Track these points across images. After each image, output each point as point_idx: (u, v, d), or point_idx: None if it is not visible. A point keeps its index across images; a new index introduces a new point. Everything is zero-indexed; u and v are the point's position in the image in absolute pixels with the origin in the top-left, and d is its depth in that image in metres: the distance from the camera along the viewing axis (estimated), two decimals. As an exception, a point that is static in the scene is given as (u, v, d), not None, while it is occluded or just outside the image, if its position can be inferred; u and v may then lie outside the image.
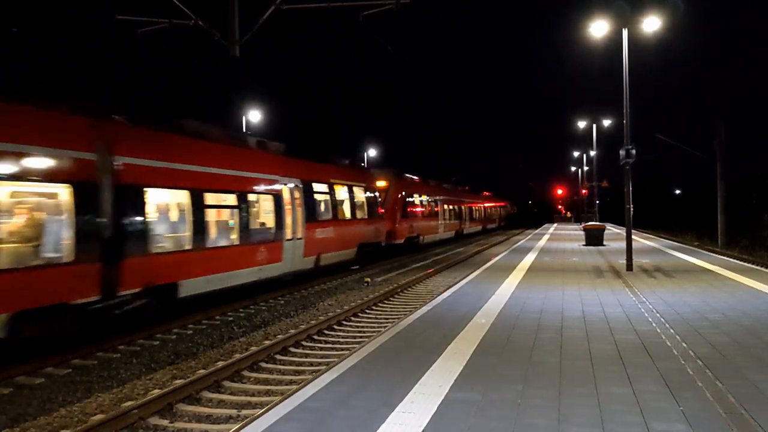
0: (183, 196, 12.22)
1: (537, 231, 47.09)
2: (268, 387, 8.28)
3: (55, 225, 9.33)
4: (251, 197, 14.53)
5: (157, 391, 7.81)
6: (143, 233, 10.90)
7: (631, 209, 16.98)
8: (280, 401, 5.58)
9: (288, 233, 15.85)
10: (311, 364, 9.50)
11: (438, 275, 20.60)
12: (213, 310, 13.13)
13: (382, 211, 24.55)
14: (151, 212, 11.33)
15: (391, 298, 15.52)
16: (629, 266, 16.08)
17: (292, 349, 10.27)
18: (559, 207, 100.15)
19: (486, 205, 58.14)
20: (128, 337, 10.65)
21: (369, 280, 18.56)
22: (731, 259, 19.93)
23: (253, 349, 10.09)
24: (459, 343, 7.66)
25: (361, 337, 11.37)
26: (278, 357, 9.81)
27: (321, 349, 10.52)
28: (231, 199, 13.76)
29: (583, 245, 26.19)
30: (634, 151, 16.34)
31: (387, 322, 12.47)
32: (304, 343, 10.73)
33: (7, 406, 7.40)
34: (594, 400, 5.44)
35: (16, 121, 8.89)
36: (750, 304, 10.37)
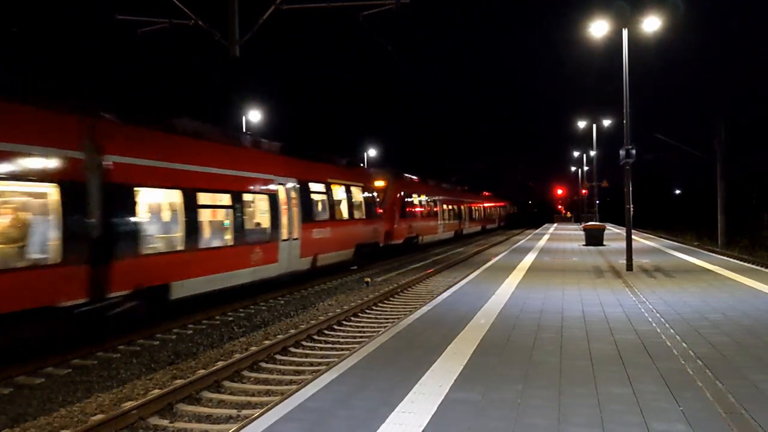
0: (175, 196, 12.00)
1: (537, 231, 47.09)
2: (268, 387, 8.28)
3: (40, 225, 9.06)
4: (246, 197, 14.34)
5: (157, 391, 7.81)
6: (133, 234, 10.67)
7: (631, 209, 16.98)
8: (280, 401, 5.58)
9: (284, 233, 15.67)
10: (311, 364, 9.50)
11: (438, 275, 20.60)
12: (213, 310, 13.13)
13: (381, 211, 24.38)
14: (142, 212, 11.12)
15: (391, 298, 15.52)
16: (629, 266, 16.09)
17: (292, 349, 10.26)
18: (559, 207, 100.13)
19: (486, 205, 58.11)
20: (128, 337, 10.64)
21: (369, 280, 18.54)
22: (731, 259, 19.94)
23: (253, 349, 10.09)
24: (459, 343, 7.66)
25: (361, 337, 11.37)
26: (278, 357, 9.81)
27: (321, 349, 10.52)
28: (225, 198, 13.54)
29: (583, 245, 26.20)
30: (634, 151, 16.34)
31: (387, 322, 12.47)
32: (304, 343, 10.73)
33: (7, 406, 7.40)
34: (594, 400, 5.44)
35: None
36: (750, 304, 10.37)
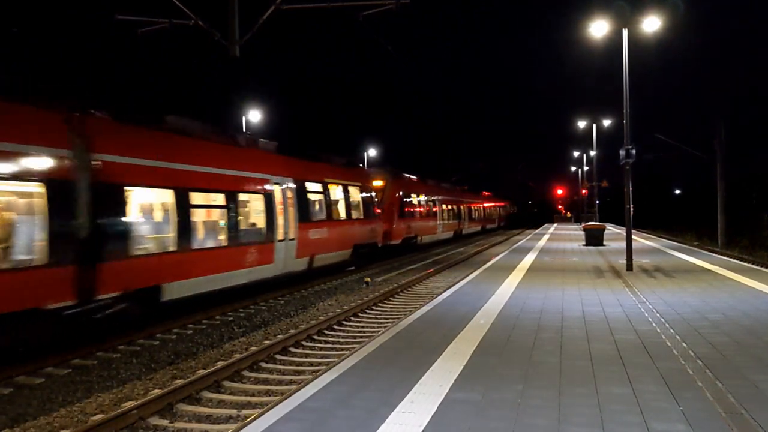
0: (167, 196, 11.74)
1: (537, 231, 47.10)
2: (268, 387, 8.28)
3: (26, 226, 8.84)
4: (241, 197, 14.13)
5: (157, 391, 7.81)
6: (123, 234, 10.45)
7: (631, 209, 16.99)
8: (280, 401, 5.58)
9: (280, 234, 15.49)
10: (311, 364, 9.50)
11: (438, 275, 20.60)
12: (213, 310, 13.12)
13: (379, 211, 24.27)
14: (132, 212, 10.94)
15: (391, 298, 15.52)
16: (629, 266, 16.09)
17: (292, 349, 10.26)
18: (559, 207, 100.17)
19: (485, 204, 58.11)
20: (128, 337, 10.64)
21: (369, 280, 18.53)
22: (731, 259, 19.94)
23: (253, 349, 10.09)
24: (459, 343, 7.66)
25: (361, 337, 11.37)
26: (278, 357, 9.81)
27: (321, 349, 10.52)
28: (219, 198, 13.34)
29: (583, 245, 26.20)
30: (634, 151, 16.34)
31: (387, 323, 12.47)
32: (304, 343, 10.73)
33: (7, 406, 7.40)
34: (594, 400, 5.44)
35: None
36: (750, 304, 10.37)
